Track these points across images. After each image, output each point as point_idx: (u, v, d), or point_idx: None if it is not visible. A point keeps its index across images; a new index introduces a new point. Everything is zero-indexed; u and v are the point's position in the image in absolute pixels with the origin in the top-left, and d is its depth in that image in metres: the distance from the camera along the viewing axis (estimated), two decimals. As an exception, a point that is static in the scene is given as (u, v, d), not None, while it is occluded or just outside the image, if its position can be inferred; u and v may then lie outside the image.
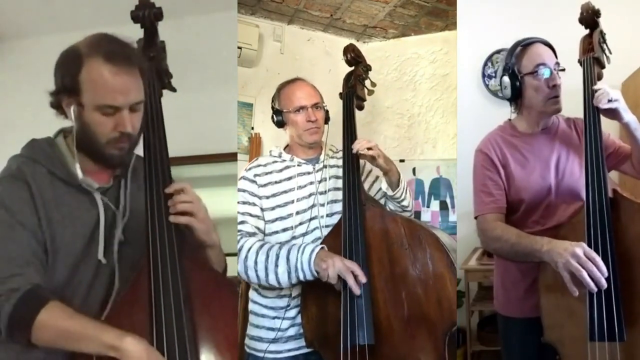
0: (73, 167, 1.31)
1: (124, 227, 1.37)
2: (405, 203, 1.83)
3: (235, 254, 1.75)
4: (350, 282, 1.50)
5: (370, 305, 1.53)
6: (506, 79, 1.68)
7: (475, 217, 1.70)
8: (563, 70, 1.65)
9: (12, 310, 1.16)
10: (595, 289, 1.33)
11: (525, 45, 1.68)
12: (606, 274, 1.33)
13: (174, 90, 1.45)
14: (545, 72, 1.62)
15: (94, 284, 1.31)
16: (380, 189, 1.85)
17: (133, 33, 1.40)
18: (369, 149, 1.67)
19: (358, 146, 1.68)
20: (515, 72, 1.67)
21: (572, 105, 1.67)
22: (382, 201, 1.87)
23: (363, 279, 1.51)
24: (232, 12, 2.83)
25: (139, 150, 1.40)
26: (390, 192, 1.78)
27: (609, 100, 1.50)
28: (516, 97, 1.70)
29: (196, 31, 2.92)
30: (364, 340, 1.50)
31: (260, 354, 1.77)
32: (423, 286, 1.52)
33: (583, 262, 1.34)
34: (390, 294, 1.55)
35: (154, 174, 1.31)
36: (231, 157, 2.86)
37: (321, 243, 1.65)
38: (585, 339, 1.36)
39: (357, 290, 1.50)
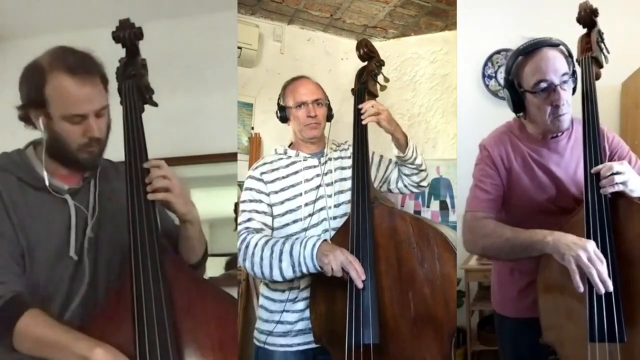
0: (41, 173, 1.38)
1: (97, 226, 1.42)
2: (418, 161, 1.90)
3: (233, 254, 1.76)
4: (353, 274, 1.49)
5: (377, 304, 1.52)
6: (507, 93, 1.59)
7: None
8: (574, 76, 1.53)
9: None
10: (603, 290, 1.31)
11: (527, 52, 1.53)
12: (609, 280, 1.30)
13: (155, 105, 1.49)
14: (545, 89, 1.49)
15: (74, 281, 1.36)
16: (390, 165, 1.95)
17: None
18: (372, 108, 1.76)
19: (366, 106, 1.76)
20: (515, 87, 1.56)
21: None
22: (394, 172, 1.95)
23: (362, 275, 1.51)
24: (232, 12, 2.83)
25: (109, 154, 1.48)
26: (401, 154, 1.85)
27: (616, 183, 1.38)
28: (519, 111, 1.61)
29: (196, 31, 2.92)
30: (369, 339, 1.49)
31: (272, 347, 1.79)
32: (430, 286, 1.50)
33: (593, 260, 1.30)
34: (397, 293, 1.53)
35: (135, 186, 1.34)
36: (231, 157, 2.86)
37: (331, 241, 1.64)
38: (585, 339, 1.35)
39: (360, 283, 1.49)
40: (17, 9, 2.90)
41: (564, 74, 1.50)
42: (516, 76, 1.56)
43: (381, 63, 1.92)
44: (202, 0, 2.84)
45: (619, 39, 1.77)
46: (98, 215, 1.43)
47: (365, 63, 1.92)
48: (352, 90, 1.89)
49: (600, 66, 1.61)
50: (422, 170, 1.94)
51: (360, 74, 1.90)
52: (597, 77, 1.58)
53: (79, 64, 1.35)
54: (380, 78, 1.90)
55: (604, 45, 1.61)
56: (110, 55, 1.43)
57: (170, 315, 1.25)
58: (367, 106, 1.76)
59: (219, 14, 2.86)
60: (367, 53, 1.91)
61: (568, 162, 1.62)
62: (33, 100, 1.36)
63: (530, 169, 1.62)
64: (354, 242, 1.58)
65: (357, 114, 1.80)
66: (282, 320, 1.77)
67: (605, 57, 1.62)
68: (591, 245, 1.32)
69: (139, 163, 1.36)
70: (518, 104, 1.58)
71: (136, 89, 1.42)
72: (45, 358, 1.21)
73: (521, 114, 1.63)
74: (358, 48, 1.92)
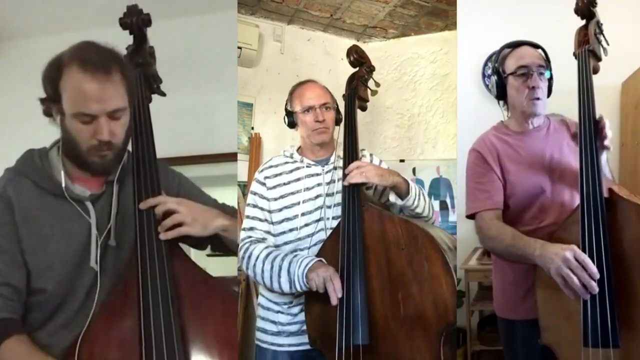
0: (60, 178, 1.30)
1: (120, 231, 1.35)
2: (418, 210, 1.76)
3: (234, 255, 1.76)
4: (330, 289, 1.52)
5: (367, 305, 1.54)
6: (493, 79, 1.75)
7: (467, 216, 1.70)
8: (544, 73, 1.65)
9: None
10: (588, 296, 1.31)
11: (512, 46, 1.73)
12: (597, 277, 1.31)
13: (163, 94, 1.45)
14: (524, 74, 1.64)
15: (92, 289, 1.30)
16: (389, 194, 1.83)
17: (128, 35, 1.41)
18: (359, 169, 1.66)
19: (351, 180, 1.65)
20: (500, 73, 1.72)
21: (570, 105, 1.62)
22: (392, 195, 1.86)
23: (339, 292, 1.52)
24: (232, 12, 2.83)
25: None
26: (399, 202, 1.73)
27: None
28: (501, 97, 1.74)
29: (196, 31, 2.93)
30: (359, 340, 1.51)
31: (264, 345, 1.81)
32: (419, 287, 1.53)
33: (574, 267, 1.31)
34: (387, 294, 1.56)
35: (142, 179, 1.31)
36: (231, 157, 2.86)
37: (322, 246, 1.68)
38: (580, 343, 1.34)
39: (334, 301, 1.52)
40: (19, 9, 2.90)
41: (540, 66, 1.66)
42: (501, 64, 1.73)
43: (371, 69, 1.93)
44: (202, 0, 2.84)
45: (619, 39, 1.76)
46: (120, 221, 1.35)
47: (356, 69, 1.93)
48: (343, 95, 1.90)
49: (599, 59, 1.59)
50: (422, 217, 1.79)
51: (351, 79, 1.92)
52: (596, 71, 1.58)
53: (93, 59, 1.23)
54: (370, 83, 1.92)
55: (604, 37, 1.60)
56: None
57: (176, 311, 1.24)
58: (352, 167, 1.67)
59: (219, 14, 2.86)
60: (357, 59, 1.93)
61: (552, 146, 1.68)
62: (50, 94, 1.27)
63: (519, 157, 1.68)
64: (344, 246, 1.60)
65: (348, 118, 1.79)
66: (276, 321, 1.79)
67: (605, 49, 1.60)
68: (571, 252, 1.33)
69: (147, 155, 1.32)
70: (501, 90, 1.72)
71: (144, 78, 1.38)
72: None
73: (504, 111, 1.78)
74: (348, 54, 1.94)
